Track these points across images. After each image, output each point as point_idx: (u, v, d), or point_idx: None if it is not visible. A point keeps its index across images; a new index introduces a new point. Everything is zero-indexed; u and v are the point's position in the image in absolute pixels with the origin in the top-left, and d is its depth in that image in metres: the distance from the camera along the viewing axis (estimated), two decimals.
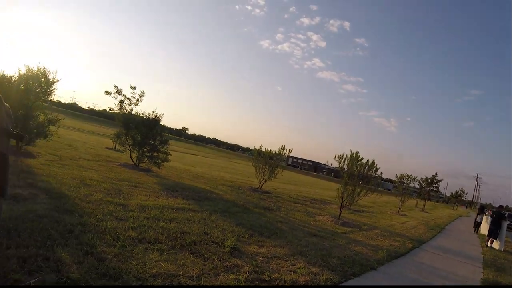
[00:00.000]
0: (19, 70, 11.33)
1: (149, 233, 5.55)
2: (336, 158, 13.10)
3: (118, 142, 16.36)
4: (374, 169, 13.12)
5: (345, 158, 12.97)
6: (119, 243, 4.85)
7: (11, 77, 11.60)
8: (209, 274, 4.49)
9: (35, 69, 11.61)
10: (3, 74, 11.91)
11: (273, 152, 16.94)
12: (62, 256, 4.02)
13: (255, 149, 18.05)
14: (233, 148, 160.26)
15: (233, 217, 8.29)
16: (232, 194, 12.49)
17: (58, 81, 12.14)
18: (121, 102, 16.21)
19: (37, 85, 11.60)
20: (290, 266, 5.58)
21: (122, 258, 4.37)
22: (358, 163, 12.92)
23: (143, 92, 16.41)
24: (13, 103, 10.81)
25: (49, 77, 11.93)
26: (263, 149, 17.13)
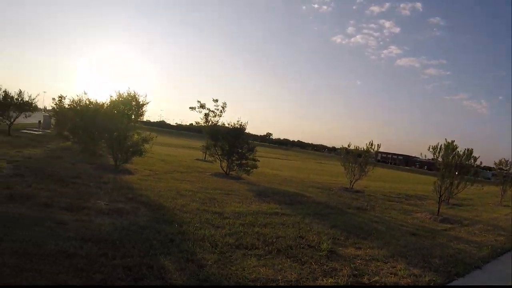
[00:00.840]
0: (110, 96, 12.20)
1: (245, 239, 5.48)
2: (430, 150, 12.03)
3: (207, 153, 16.90)
4: (472, 158, 11.80)
5: (439, 149, 11.84)
6: (218, 249, 4.83)
7: (103, 103, 12.62)
8: (307, 278, 4.32)
9: (125, 94, 12.38)
10: (96, 101, 13.03)
11: (361, 149, 16.16)
12: (165, 264, 4.06)
13: (342, 147, 17.41)
14: (319, 149, 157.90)
15: (327, 219, 7.93)
16: (323, 195, 12.08)
17: (148, 103, 12.82)
18: (206, 115, 16.73)
19: (128, 108, 12.37)
20: (390, 268, 5.16)
21: (222, 264, 4.34)
22: (454, 152, 11.71)
23: (225, 104, 16.76)
24: (108, 127, 11.70)
25: (139, 100, 12.63)
26: (351, 147, 16.44)
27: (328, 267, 4.77)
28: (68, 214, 5.51)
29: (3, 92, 18.33)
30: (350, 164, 15.78)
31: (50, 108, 27.47)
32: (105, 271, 3.63)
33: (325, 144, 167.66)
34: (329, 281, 4.27)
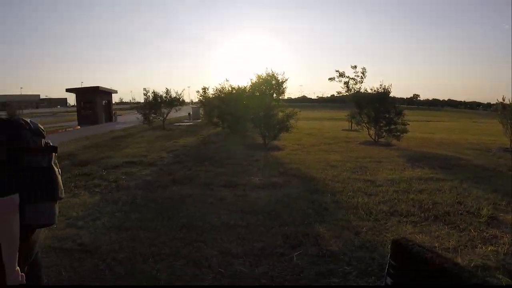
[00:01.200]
0: (251, 79, 12.85)
1: (400, 206, 5.19)
2: None
3: (353, 122, 16.46)
4: None
5: None
6: (372, 217, 4.68)
7: (245, 87, 13.39)
8: (466, 246, 3.86)
9: (264, 75, 12.86)
10: (238, 86, 13.93)
11: None
12: (320, 231, 4.09)
13: (497, 102, 14.90)
14: (473, 106, 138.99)
15: (486, 183, 6.93)
16: (481, 157, 10.60)
17: (286, 80, 13.11)
18: (346, 83, 16.23)
19: (269, 87, 12.84)
20: None
21: (377, 231, 4.20)
22: None
23: (364, 69, 15.96)
24: (253, 108, 12.35)
25: (278, 78, 12.98)
26: (506, 101, 13.93)
27: (488, 234, 4.18)
28: (226, 190, 5.98)
29: (152, 93, 20.91)
30: (509, 121, 13.48)
31: (197, 100, 30.31)
32: (265, 239, 3.86)
33: (479, 101, 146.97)
34: (489, 249, 3.74)
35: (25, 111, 51.42)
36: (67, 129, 24.84)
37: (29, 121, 1.49)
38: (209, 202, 5.33)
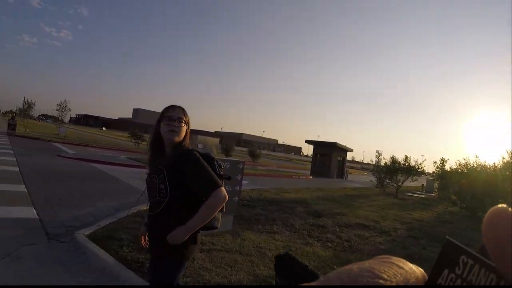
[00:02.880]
0: (503, 157, 10.98)
1: None
2: None
3: None
4: None
5: None
6: None
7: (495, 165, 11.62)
8: None
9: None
10: (485, 163, 12.21)
11: None
12: None
13: None
14: None
15: None
16: None
17: None
18: None
19: None
20: None
21: None
22: None
23: None
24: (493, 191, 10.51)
25: None
26: None
27: None
28: None
29: (390, 158, 20.02)
30: None
31: (430, 171, 27.75)
32: None
33: None
34: None
35: (263, 151, 58.62)
36: (300, 177, 26.77)
37: (215, 158, 2.19)
38: None
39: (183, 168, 2.01)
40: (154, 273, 2.14)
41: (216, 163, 2.17)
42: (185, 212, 2.01)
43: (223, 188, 2.01)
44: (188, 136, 2.17)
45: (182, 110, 2.15)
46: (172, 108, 2.13)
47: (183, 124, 2.11)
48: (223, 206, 2.03)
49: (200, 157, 2.07)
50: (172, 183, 2.01)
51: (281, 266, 1.99)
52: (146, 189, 2.20)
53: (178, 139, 2.09)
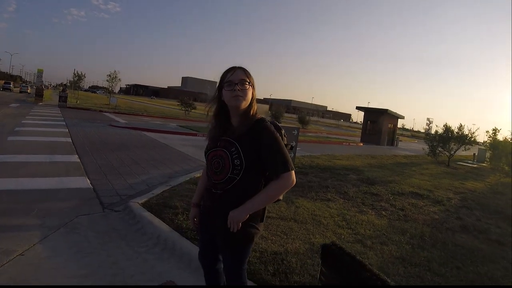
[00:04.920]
0: None
1: None
2: None
3: None
4: None
5: None
6: None
7: None
8: None
9: None
10: None
11: None
12: None
13: None
14: None
15: None
16: None
17: None
18: None
19: None
20: None
21: None
22: None
23: None
24: None
25: None
26: None
27: None
28: None
29: (444, 126, 19.16)
30: None
31: (481, 141, 26.63)
32: None
33: None
34: None
35: (312, 118, 58.03)
36: (350, 144, 26.52)
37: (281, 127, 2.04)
38: (502, 264, 4.43)
39: (259, 139, 1.83)
40: (225, 258, 2.05)
41: (282, 131, 2.02)
42: (259, 190, 1.89)
43: (293, 172, 1.87)
44: (255, 101, 1.95)
45: (243, 70, 1.90)
46: (232, 70, 1.89)
47: (248, 86, 1.87)
48: None
49: (275, 131, 1.90)
50: (248, 158, 1.83)
51: (327, 256, 1.88)
52: (207, 165, 2.02)
53: (245, 103, 1.87)
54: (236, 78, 1.85)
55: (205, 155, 2.03)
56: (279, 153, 1.83)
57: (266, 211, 2.07)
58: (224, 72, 1.90)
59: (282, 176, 1.82)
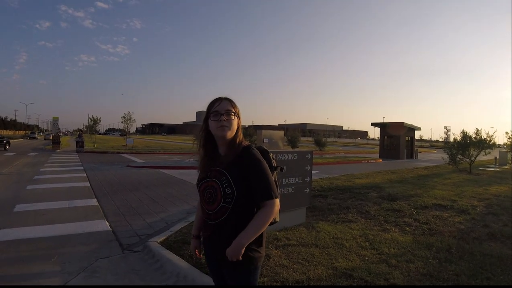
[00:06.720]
0: None
1: None
2: None
3: None
4: None
5: None
6: None
7: None
8: None
9: None
10: None
11: None
12: None
13: None
14: None
15: None
16: None
17: None
18: None
19: None
20: None
21: None
22: None
23: None
24: None
25: None
26: None
27: None
28: None
29: (461, 132, 18.76)
30: None
31: (501, 143, 26.35)
32: None
33: None
34: None
35: (328, 139, 57.69)
36: (369, 161, 26.23)
37: (268, 150, 2.03)
38: None
39: (246, 167, 1.85)
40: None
41: (270, 155, 2.01)
42: (252, 216, 1.87)
43: (277, 200, 1.85)
44: (240, 129, 1.98)
45: (229, 101, 1.93)
46: (218, 101, 1.92)
47: (233, 117, 1.90)
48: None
49: (262, 158, 1.90)
50: (238, 185, 1.84)
51: None
52: (200, 196, 2.01)
53: (230, 133, 1.89)
54: (222, 108, 1.88)
55: (197, 186, 2.03)
56: (263, 181, 1.84)
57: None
58: (211, 103, 1.95)
59: (266, 204, 1.82)
